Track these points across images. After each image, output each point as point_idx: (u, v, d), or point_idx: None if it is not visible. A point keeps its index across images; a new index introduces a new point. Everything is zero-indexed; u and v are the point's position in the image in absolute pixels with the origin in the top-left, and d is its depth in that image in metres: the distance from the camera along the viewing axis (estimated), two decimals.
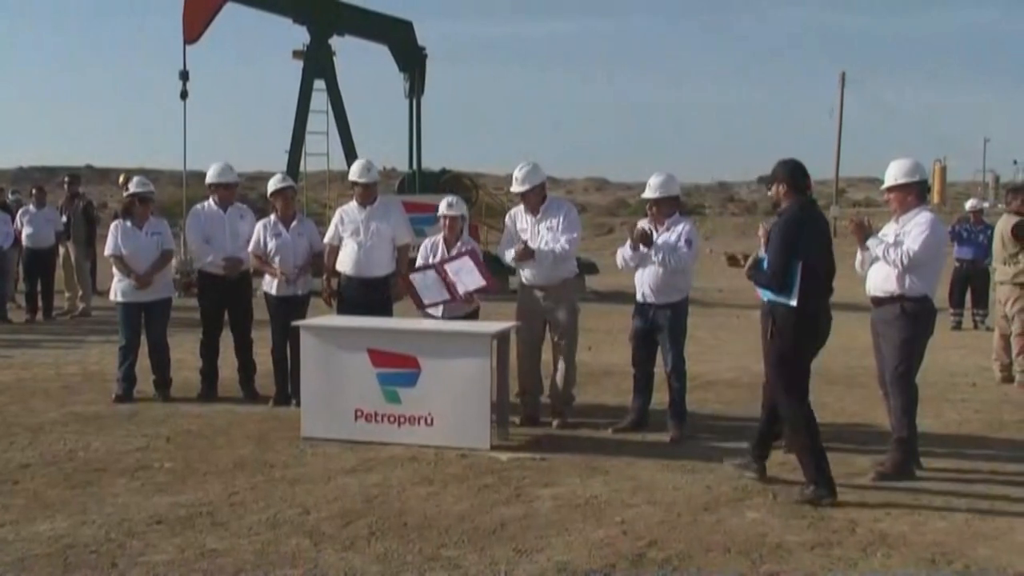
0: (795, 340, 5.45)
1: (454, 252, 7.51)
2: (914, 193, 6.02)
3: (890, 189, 6.07)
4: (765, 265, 5.56)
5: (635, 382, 7.25)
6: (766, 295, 5.63)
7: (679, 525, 5.05)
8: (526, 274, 7.39)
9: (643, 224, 7.12)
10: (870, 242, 6.01)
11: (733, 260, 6.14)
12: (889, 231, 6.11)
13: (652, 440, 6.88)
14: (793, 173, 5.56)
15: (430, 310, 7.53)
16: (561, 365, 7.37)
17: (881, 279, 5.97)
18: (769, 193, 5.73)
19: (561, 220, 7.28)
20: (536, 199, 7.36)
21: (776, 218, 5.62)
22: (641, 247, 6.97)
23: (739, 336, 12.17)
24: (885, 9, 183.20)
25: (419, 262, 7.72)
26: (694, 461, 6.28)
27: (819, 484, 5.37)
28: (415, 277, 7.55)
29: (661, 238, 6.98)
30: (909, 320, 5.92)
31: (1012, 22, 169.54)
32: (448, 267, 7.39)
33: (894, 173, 6.04)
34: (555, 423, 7.31)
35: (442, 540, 4.80)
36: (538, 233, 7.30)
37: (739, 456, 6.01)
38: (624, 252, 7.14)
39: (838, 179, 45.61)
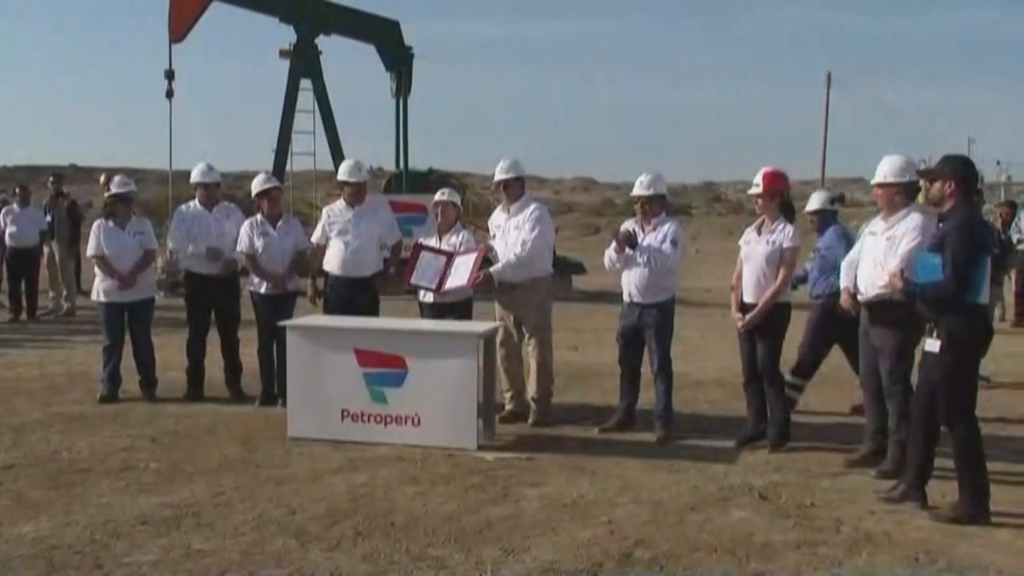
0: (971, 349, 5.18)
1: (463, 247, 7.53)
2: (902, 193, 6.01)
3: (879, 185, 6.08)
4: (939, 264, 5.10)
5: (622, 382, 7.26)
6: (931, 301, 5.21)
7: (666, 525, 5.07)
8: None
9: (627, 226, 7.14)
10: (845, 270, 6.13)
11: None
12: (878, 228, 6.13)
13: (639, 440, 6.89)
14: (966, 172, 5.30)
15: (424, 294, 7.59)
16: (534, 363, 7.40)
17: (872, 283, 5.97)
18: (931, 188, 5.37)
19: (522, 220, 7.34)
20: (515, 191, 7.45)
21: (944, 220, 5.28)
22: (626, 249, 6.99)
23: (726, 336, 12.18)
24: (884, 9, 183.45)
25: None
26: (681, 461, 6.30)
27: (977, 501, 5.14)
28: (426, 254, 7.57)
29: (647, 239, 7.00)
30: (902, 324, 5.92)
31: (1009, 22, 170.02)
32: (457, 259, 7.42)
33: (884, 170, 6.02)
34: (530, 421, 7.33)
35: (429, 540, 4.80)
36: (508, 231, 7.38)
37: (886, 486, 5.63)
38: (610, 253, 7.16)
39: (824, 179, 45.79)
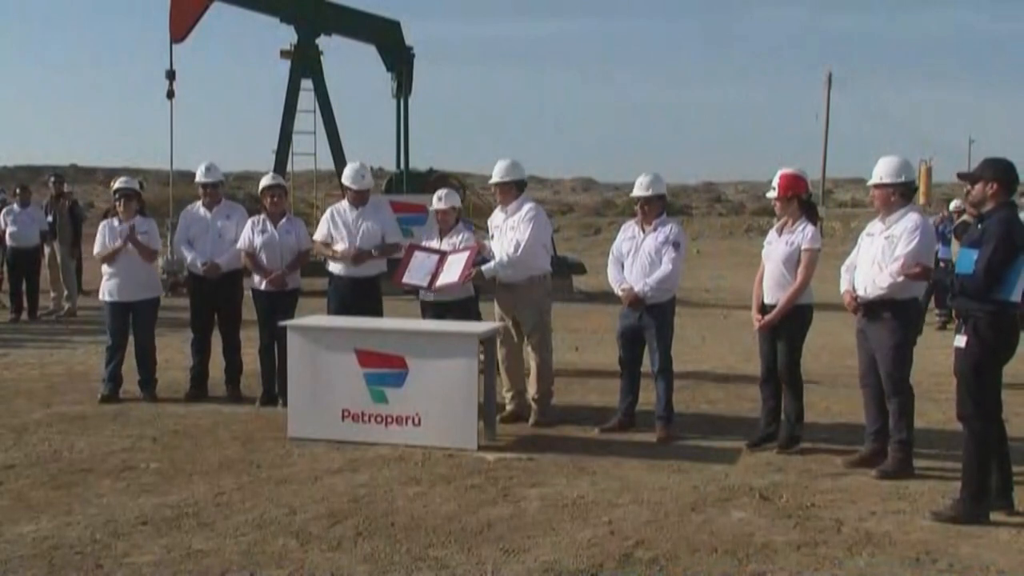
0: (996, 345, 5.14)
1: (461, 246, 7.53)
2: (898, 193, 6.04)
3: (876, 186, 6.10)
4: (971, 262, 5.11)
5: (622, 382, 7.26)
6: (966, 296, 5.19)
7: (666, 525, 5.07)
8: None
9: (626, 289, 7.02)
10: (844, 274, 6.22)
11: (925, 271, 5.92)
12: (875, 229, 6.14)
13: (639, 440, 6.89)
14: (1008, 174, 5.28)
15: (424, 294, 7.59)
16: (533, 364, 7.40)
17: (871, 283, 5.98)
18: (971, 191, 5.33)
19: (517, 220, 7.35)
20: (510, 194, 7.45)
21: (982, 220, 5.28)
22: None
23: (726, 336, 12.21)
24: (884, 9, 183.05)
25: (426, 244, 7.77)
26: (681, 461, 6.30)
27: (979, 501, 5.14)
28: (419, 254, 7.59)
29: (647, 240, 7.00)
30: (901, 323, 5.93)
31: (1009, 22, 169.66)
32: (450, 257, 7.43)
33: (880, 171, 6.06)
34: (531, 421, 7.33)
35: (429, 540, 4.80)
36: (505, 232, 7.41)
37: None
38: (614, 276, 7.15)
39: (824, 180, 45.80)
